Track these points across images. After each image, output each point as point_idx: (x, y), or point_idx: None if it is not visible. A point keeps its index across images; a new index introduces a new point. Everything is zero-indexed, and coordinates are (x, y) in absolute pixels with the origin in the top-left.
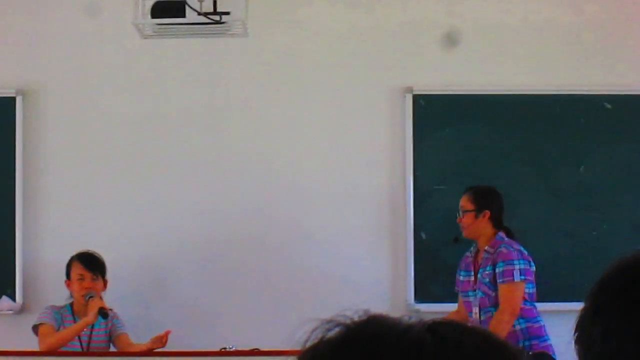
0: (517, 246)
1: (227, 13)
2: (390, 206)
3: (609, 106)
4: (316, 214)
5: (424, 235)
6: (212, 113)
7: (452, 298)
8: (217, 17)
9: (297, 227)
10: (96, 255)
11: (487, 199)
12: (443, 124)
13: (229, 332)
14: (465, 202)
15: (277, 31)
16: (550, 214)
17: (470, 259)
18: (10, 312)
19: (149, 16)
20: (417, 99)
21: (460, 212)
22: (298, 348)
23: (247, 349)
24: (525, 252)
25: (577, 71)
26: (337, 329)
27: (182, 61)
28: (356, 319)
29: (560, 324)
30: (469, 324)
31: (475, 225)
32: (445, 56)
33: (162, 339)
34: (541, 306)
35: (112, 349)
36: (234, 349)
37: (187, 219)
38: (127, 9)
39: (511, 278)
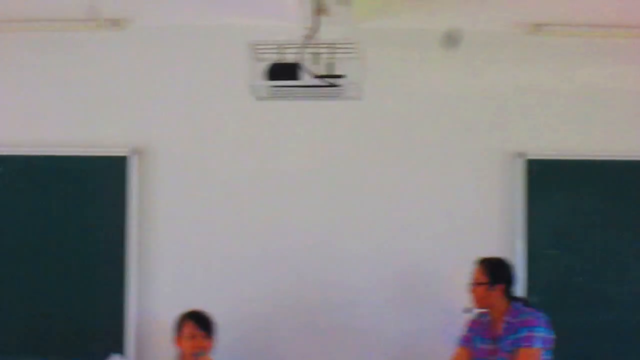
0: (540, 314)
1: (342, 76)
2: None
3: None
4: (426, 279)
5: (535, 299)
6: (322, 174)
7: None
8: (332, 81)
9: (406, 290)
10: (207, 314)
11: (500, 272)
12: (555, 189)
13: None
14: (478, 275)
15: (390, 95)
16: None
17: (486, 327)
18: None
19: (264, 78)
20: (529, 164)
21: (473, 284)
22: None
23: None
24: (546, 320)
25: None
26: None
27: (295, 123)
28: None
29: None
30: None
31: (488, 298)
32: (558, 121)
33: None
34: None
35: None
36: None
37: (295, 278)
38: (242, 70)
39: (530, 344)
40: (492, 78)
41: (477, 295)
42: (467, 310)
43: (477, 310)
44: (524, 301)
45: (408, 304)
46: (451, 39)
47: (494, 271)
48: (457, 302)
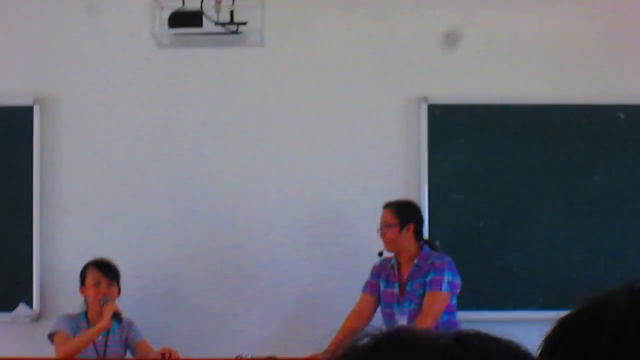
0: (448, 258)
1: (244, 23)
2: None
3: (622, 115)
4: (330, 223)
5: (438, 244)
6: (227, 122)
7: (466, 306)
8: (233, 27)
9: (311, 235)
10: (111, 262)
11: (409, 213)
12: (458, 133)
13: (243, 339)
14: (388, 217)
15: (293, 41)
16: (564, 223)
17: (391, 271)
18: (27, 319)
19: (166, 26)
20: (432, 108)
21: (383, 227)
22: (314, 355)
23: (262, 356)
24: (454, 265)
25: (590, 81)
26: (365, 339)
27: (198, 71)
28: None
29: None
30: (496, 336)
31: (400, 239)
32: (460, 66)
33: (166, 356)
34: (554, 314)
35: (129, 356)
36: (249, 356)
37: (202, 227)
38: (144, 19)
39: (438, 287)
40: (395, 22)
41: (388, 237)
42: (380, 254)
43: (387, 254)
44: (431, 244)
45: (314, 250)
46: (451, 39)
47: (404, 212)
48: (362, 248)
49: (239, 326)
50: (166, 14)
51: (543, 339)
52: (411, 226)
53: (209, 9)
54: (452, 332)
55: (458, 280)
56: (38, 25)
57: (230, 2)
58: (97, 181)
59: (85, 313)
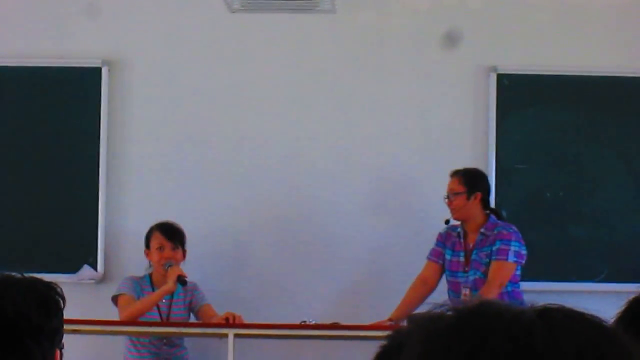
0: (515, 228)
1: None
2: None
3: None
4: (397, 191)
5: (505, 214)
6: (296, 88)
7: (530, 277)
8: None
9: (378, 202)
10: (176, 225)
11: (477, 181)
12: (526, 103)
13: (307, 305)
14: (455, 185)
15: (363, 8)
16: (631, 196)
17: (457, 239)
18: (92, 281)
19: None
20: (501, 78)
21: (450, 195)
22: (378, 323)
23: (326, 323)
24: (520, 235)
25: None
26: (449, 312)
27: (268, 36)
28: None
29: None
30: (580, 311)
31: (467, 208)
32: (530, 35)
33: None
34: (618, 286)
35: (192, 320)
36: (313, 322)
37: (268, 192)
38: None
39: (504, 257)
40: None
41: (455, 205)
42: (447, 222)
43: (453, 223)
44: (497, 214)
45: (380, 218)
46: (451, 39)
47: (471, 180)
48: (428, 216)
49: (302, 292)
50: None
51: (615, 318)
52: (478, 195)
53: None
54: (536, 307)
55: (524, 251)
56: None
57: None
58: (164, 144)
59: (150, 276)
